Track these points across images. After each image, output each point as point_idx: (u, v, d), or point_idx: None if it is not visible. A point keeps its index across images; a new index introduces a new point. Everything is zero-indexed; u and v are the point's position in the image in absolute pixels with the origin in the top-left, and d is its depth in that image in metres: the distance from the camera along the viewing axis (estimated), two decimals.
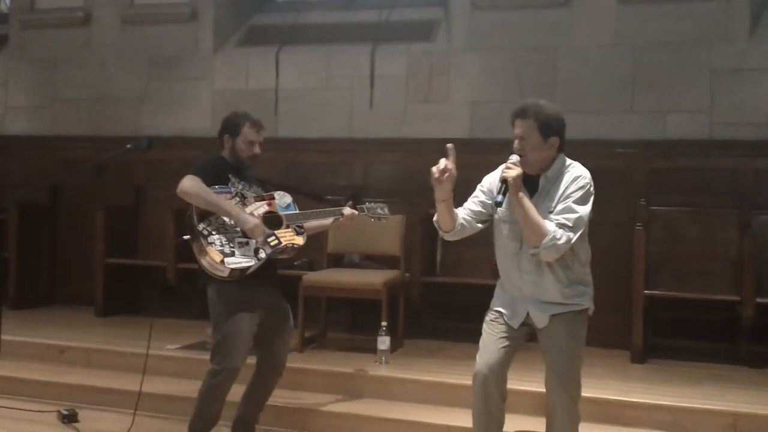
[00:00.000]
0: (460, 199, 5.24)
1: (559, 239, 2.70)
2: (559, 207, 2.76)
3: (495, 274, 3.07)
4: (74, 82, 6.23)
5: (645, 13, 5.01)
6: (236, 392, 3.40)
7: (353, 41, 5.67)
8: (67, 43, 6.26)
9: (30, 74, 6.38)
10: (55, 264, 6.03)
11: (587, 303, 2.88)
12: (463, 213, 2.94)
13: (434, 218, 2.92)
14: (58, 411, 3.86)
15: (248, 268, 3.19)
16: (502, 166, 2.96)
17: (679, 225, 4.74)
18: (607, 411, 3.60)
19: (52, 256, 6.02)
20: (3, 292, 5.64)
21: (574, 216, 2.74)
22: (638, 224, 4.48)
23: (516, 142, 2.81)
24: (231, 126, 3.39)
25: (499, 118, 5.22)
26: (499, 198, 2.74)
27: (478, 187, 3.00)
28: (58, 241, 6.06)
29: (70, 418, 3.82)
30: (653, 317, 4.55)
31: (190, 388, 3.58)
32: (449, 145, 2.84)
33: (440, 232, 2.94)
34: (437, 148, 5.32)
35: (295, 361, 4.23)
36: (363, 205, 3.53)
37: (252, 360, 3.42)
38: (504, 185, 2.73)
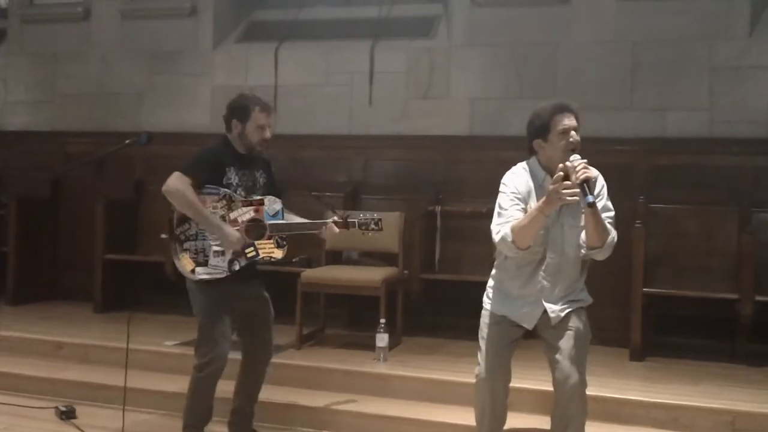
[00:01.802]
0: (464, 191, 5.22)
1: (615, 238, 2.76)
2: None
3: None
4: (74, 77, 6.22)
5: (645, 9, 5.00)
6: (229, 389, 3.41)
7: (353, 37, 5.66)
8: (67, 38, 6.26)
9: (30, 69, 6.37)
10: (55, 259, 6.03)
11: (590, 299, 2.94)
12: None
13: (510, 236, 2.71)
14: (56, 407, 3.87)
15: (217, 280, 3.17)
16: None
17: (679, 222, 4.73)
18: (605, 409, 3.60)
19: (52, 251, 6.02)
20: (2, 286, 5.65)
21: (612, 214, 2.81)
22: (637, 221, 4.47)
23: (573, 134, 2.74)
24: (240, 110, 3.27)
25: (498, 114, 5.24)
26: (591, 199, 2.62)
27: (510, 193, 2.83)
28: (57, 236, 6.06)
29: (67, 415, 3.82)
30: (652, 315, 4.54)
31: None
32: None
33: (515, 250, 2.75)
34: (437, 145, 5.38)
35: (293, 358, 4.25)
36: (355, 220, 3.39)
37: (238, 355, 3.42)
38: (586, 185, 2.63)
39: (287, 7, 6.07)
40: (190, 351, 4.30)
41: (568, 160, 2.70)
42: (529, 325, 2.87)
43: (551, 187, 2.61)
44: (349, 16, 5.86)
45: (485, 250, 4.55)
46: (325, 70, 5.65)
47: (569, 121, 2.75)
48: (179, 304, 5.37)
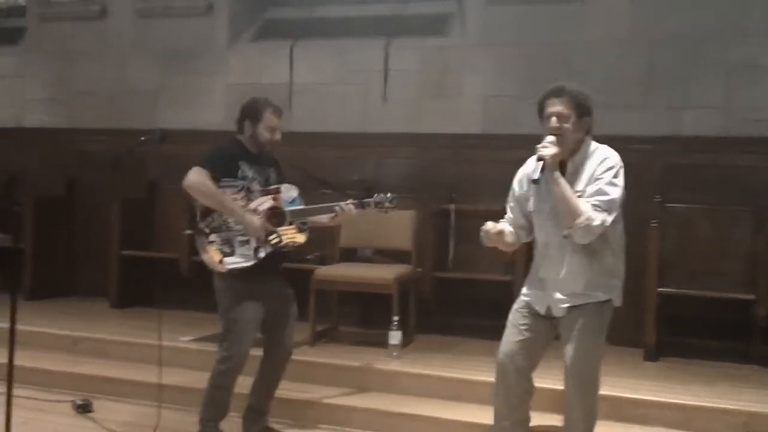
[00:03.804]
0: (477, 190, 5.19)
1: (594, 220, 2.68)
2: (590, 190, 2.74)
3: (509, 269, 3.07)
4: (90, 75, 6.27)
5: (659, 8, 4.97)
6: (246, 384, 3.44)
7: (367, 36, 5.67)
8: (84, 37, 6.30)
9: (47, 67, 6.43)
10: (71, 256, 6.09)
11: (610, 295, 2.83)
12: (509, 227, 2.92)
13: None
14: (73, 401, 3.92)
15: (246, 268, 3.23)
16: (531, 160, 2.89)
17: (694, 222, 4.70)
18: (618, 409, 3.60)
19: (68, 248, 6.08)
20: (19, 282, 5.71)
21: (606, 198, 2.72)
22: (652, 221, 4.45)
23: (553, 120, 2.76)
24: (252, 112, 3.37)
25: (511, 114, 5.22)
26: (536, 176, 2.69)
27: (512, 188, 2.94)
28: (74, 233, 6.12)
29: (84, 408, 3.87)
30: (666, 315, 4.52)
31: (204, 379, 3.60)
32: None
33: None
34: (450, 143, 5.39)
35: (306, 355, 4.27)
36: (371, 200, 3.49)
37: (258, 351, 3.46)
38: (542, 163, 2.69)
39: (302, 5, 6.09)
40: (206, 347, 4.38)
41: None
42: (540, 309, 2.86)
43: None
44: (364, 14, 5.87)
45: (498, 249, 4.56)
46: (339, 68, 5.66)
47: (551, 107, 2.78)
48: (194, 301, 5.45)
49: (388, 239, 4.82)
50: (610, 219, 2.70)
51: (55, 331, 4.78)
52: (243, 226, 3.23)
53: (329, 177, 5.35)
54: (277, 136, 3.38)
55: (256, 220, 3.24)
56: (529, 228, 2.93)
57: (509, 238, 2.89)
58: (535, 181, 2.72)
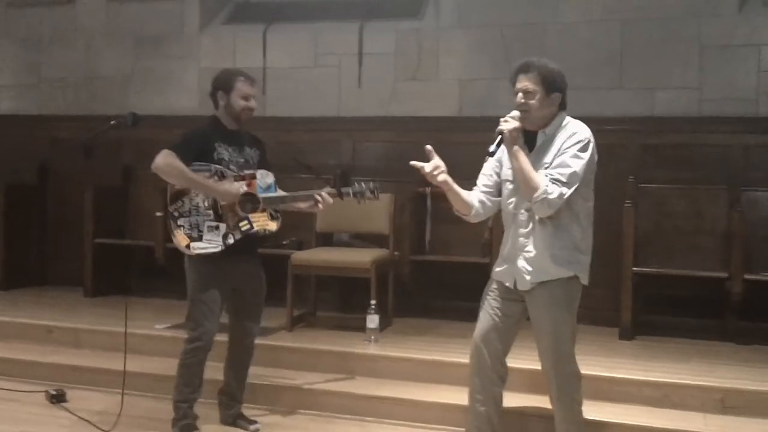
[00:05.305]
0: (454, 173, 5.21)
1: (551, 194, 2.68)
2: (554, 162, 2.74)
3: (486, 251, 3.08)
4: (60, 61, 6.15)
5: None
6: (219, 368, 3.43)
7: (341, 19, 5.61)
8: (53, 22, 6.18)
9: (15, 53, 6.30)
10: (44, 244, 6.00)
11: (576, 271, 2.82)
12: (479, 195, 2.94)
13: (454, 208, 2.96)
14: (47, 391, 3.87)
15: (214, 253, 3.20)
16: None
17: (668, 202, 4.73)
18: (595, 387, 3.60)
19: (41, 237, 5.99)
20: None
21: (567, 171, 2.71)
22: (627, 201, 4.48)
23: (519, 95, 2.78)
24: (224, 82, 3.33)
25: (488, 96, 5.21)
26: (492, 148, 2.72)
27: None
28: (46, 221, 6.02)
29: (58, 398, 3.82)
30: (642, 294, 4.55)
31: None
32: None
33: (464, 218, 2.98)
34: (426, 127, 5.36)
35: (284, 340, 4.26)
36: (349, 189, 3.43)
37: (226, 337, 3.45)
38: (500, 137, 2.72)
39: None
40: (181, 334, 4.31)
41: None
42: (509, 283, 2.86)
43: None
44: None
45: (475, 232, 4.55)
46: (313, 52, 5.60)
47: (518, 83, 2.81)
48: (170, 288, 5.39)
49: (365, 223, 4.80)
50: (569, 192, 2.70)
51: (28, 321, 4.70)
52: (218, 197, 3.20)
53: (305, 162, 5.32)
54: (252, 103, 3.33)
55: (229, 188, 3.19)
56: (494, 195, 2.93)
57: (465, 196, 2.91)
58: (490, 154, 2.74)
